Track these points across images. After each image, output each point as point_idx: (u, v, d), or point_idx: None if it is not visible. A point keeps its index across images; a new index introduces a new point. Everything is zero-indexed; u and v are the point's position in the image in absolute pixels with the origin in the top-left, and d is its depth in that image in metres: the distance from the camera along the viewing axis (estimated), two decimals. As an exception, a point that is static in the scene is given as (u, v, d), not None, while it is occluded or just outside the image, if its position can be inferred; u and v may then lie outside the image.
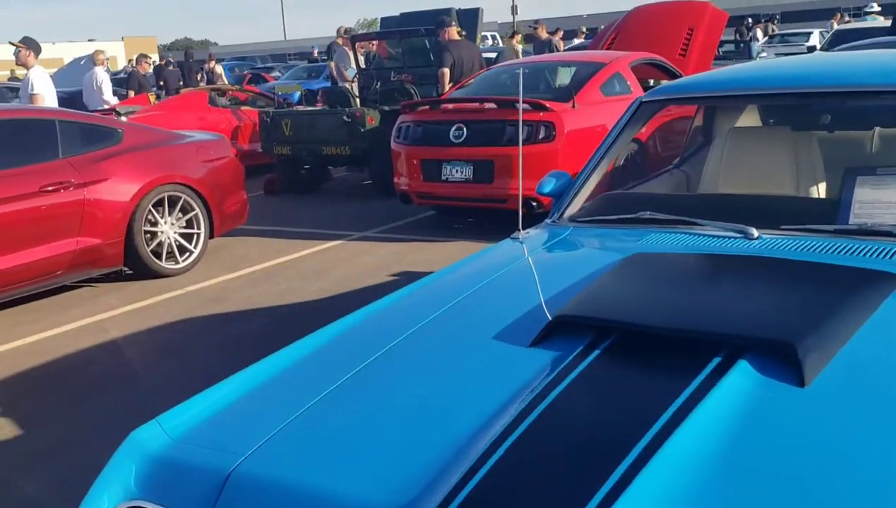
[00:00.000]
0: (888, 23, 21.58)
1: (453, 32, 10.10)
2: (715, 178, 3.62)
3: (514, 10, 49.16)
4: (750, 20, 26.31)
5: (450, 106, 7.75)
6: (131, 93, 14.73)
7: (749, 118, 4.36)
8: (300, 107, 11.27)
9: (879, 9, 23.45)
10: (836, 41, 18.38)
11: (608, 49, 10.46)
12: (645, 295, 2.05)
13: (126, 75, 18.18)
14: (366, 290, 6.13)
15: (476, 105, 7.55)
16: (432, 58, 11.13)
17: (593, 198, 3.14)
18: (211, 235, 7.13)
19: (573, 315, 1.93)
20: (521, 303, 2.21)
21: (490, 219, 8.04)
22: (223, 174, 7.30)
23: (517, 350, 1.91)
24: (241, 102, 12.93)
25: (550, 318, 1.95)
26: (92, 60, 13.69)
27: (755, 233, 2.51)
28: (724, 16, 10.67)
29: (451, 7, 11.46)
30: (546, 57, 11.22)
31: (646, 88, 8.38)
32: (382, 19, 12.46)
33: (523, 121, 7.13)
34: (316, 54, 23.20)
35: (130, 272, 6.69)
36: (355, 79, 11.82)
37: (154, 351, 5.23)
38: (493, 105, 7.40)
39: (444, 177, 7.49)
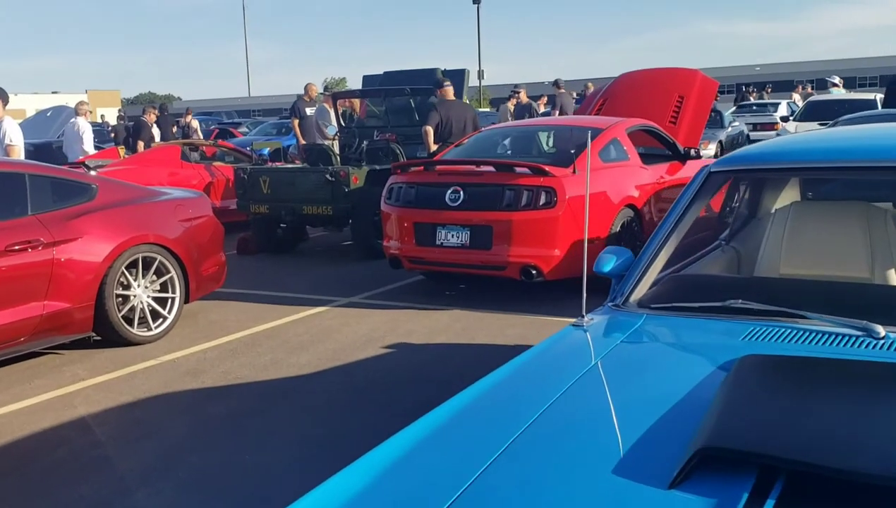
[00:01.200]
0: (853, 95, 21.96)
1: (448, 92, 9.86)
2: (775, 258, 3.26)
3: (480, 74, 49.56)
4: (744, 88, 26.61)
5: (445, 167, 7.40)
6: (140, 145, 14.45)
7: (793, 191, 4.05)
8: (278, 164, 10.86)
9: (841, 81, 23.87)
10: (809, 111, 18.58)
11: (597, 114, 10.26)
12: (797, 418, 1.64)
13: (109, 128, 17.90)
14: (360, 365, 5.67)
15: (473, 167, 7.20)
16: (417, 117, 10.86)
17: (662, 279, 2.74)
18: (186, 300, 6.63)
19: (722, 447, 1.52)
20: (627, 421, 1.79)
21: (483, 287, 7.65)
22: (201, 234, 6.83)
23: (656, 494, 1.48)
24: (211, 158, 12.48)
25: (693, 450, 1.53)
26: (75, 111, 13.47)
27: (881, 331, 2.13)
28: (714, 84, 10.54)
29: (437, 67, 11.22)
30: (542, 121, 10.98)
31: (641, 156, 8.14)
32: (364, 77, 12.18)
33: (521, 186, 6.80)
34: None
35: (98, 338, 6.16)
36: (336, 137, 11.46)
37: (127, 431, 4.69)
38: (490, 168, 7.05)
39: (438, 242, 7.09)
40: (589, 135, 3.31)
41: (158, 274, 6.40)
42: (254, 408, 4.94)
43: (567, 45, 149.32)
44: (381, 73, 11.95)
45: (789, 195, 3.95)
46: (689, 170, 8.69)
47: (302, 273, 9.02)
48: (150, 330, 6.34)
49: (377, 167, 9.59)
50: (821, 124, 17.45)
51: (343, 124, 11.68)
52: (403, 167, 7.69)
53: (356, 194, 9.26)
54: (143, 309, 6.29)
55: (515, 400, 2.04)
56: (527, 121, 12.33)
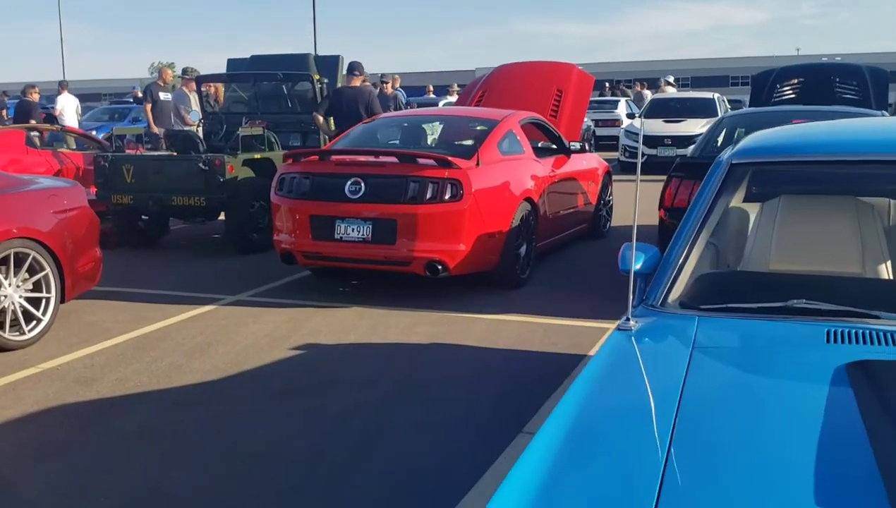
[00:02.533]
0: (694, 94, 23.09)
1: (356, 81, 9.62)
2: (765, 253, 3.19)
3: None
4: (607, 84, 27.28)
5: (342, 157, 7.04)
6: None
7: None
8: (140, 151, 10.09)
9: (672, 80, 25.13)
10: (654, 109, 19.34)
11: (477, 106, 10.15)
12: None
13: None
14: (270, 369, 5.26)
15: (372, 158, 6.90)
16: (290, 104, 10.39)
17: (701, 277, 2.59)
18: (62, 299, 5.97)
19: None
20: (779, 449, 1.60)
21: (377, 282, 7.36)
22: (77, 227, 6.18)
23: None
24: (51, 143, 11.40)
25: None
26: None
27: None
28: (590, 79, 10.68)
29: (309, 53, 10.76)
30: (434, 111, 10.71)
31: (534, 149, 8.09)
32: (229, 61, 11.52)
33: (426, 178, 6.56)
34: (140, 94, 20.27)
35: (-39, 345, 5.43)
36: (199, 123, 10.78)
37: (25, 450, 4.11)
38: (392, 158, 6.77)
39: (337, 236, 6.73)
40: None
41: (31, 271, 5.72)
42: (165, 420, 4.46)
43: (395, 39, 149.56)
44: (248, 57, 11.34)
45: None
46: (575, 163, 8.75)
47: (174, 268, 8.39)
48: (23, 333, 5.65)
49: (255, 155, 9.08)
50: (666, 121, 18.26)
51: (206, 110, 11.01)
52: (296, 156, 7.26)
53: (231, 184, 8.71)
54: (14, 311, 5.60)
55: (623, 425, 1.81)
56: (418, 111, 12.08)
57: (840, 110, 7.50)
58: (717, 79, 62.03)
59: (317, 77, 10.07)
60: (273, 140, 9.52)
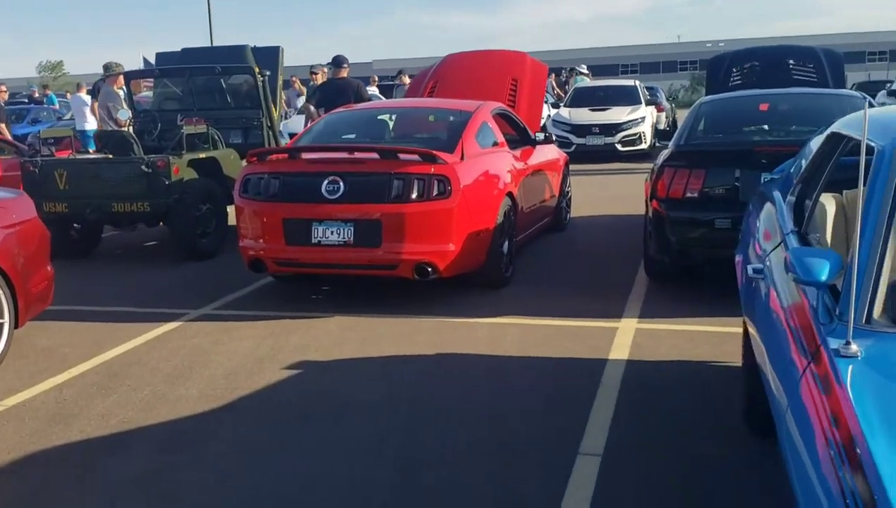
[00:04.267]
0: (615, 82, 23.17)
1: (343, 72, 9.43)
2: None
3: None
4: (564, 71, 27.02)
5: (315, 154, 6.52)
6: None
7: None
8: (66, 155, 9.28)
9: (586, 69, 25.24)
10: (577, 97, 19.29)
11: (429, 97, 9.72)
12: None
13: None
14: (269, 393, 4.74)
15: (347, 154, 6.40)
16: (230, 100, 9.74)
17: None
18: (16, 324, 5.30)
19: None
20: None
21: (352, 288, 6.87)
22: (28, 242, 5.50)
23: None
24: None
25: None
26: None
27: None
28: (543, 68, 10.37)
29: (246, 45, 10.11)
30: (400, 103, 10.16)
31: (507, 141, 7.74)
32: (158, 55, 10.72)
33: (412, 174, 6.12)
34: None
35: None
36: (129, 121, 10.00)
37: (14, 506, 3.51)
38: (374, 154, 6.29)
39: (314, 240, 6.22)
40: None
41: (-20, 295, 5.03)
42: (170, 462, 3.91)
43: (287, 30, 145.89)
44: (179, 50, 10.59)
45: None
46: (540, 154, 8.43)
47: (121, 281, 7.69)
48: (-25, 366, 4.97)
49: (200, 155, 8.44)
50: (592, 109, 18.19)
51: (137, 108, 10.24)
52: (261, 155, 6.69)
53: (177, 187, 8.06)
54: (-36, 342, 4.91)
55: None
56: (382, 102, 11.52)
57: (818, 92, 7.40)
58: (608, 68, 62.99)
59: (257, 70, 9.44)
60: (217, 138, 8.89)
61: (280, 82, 10.09)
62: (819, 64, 9.23)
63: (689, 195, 6.13)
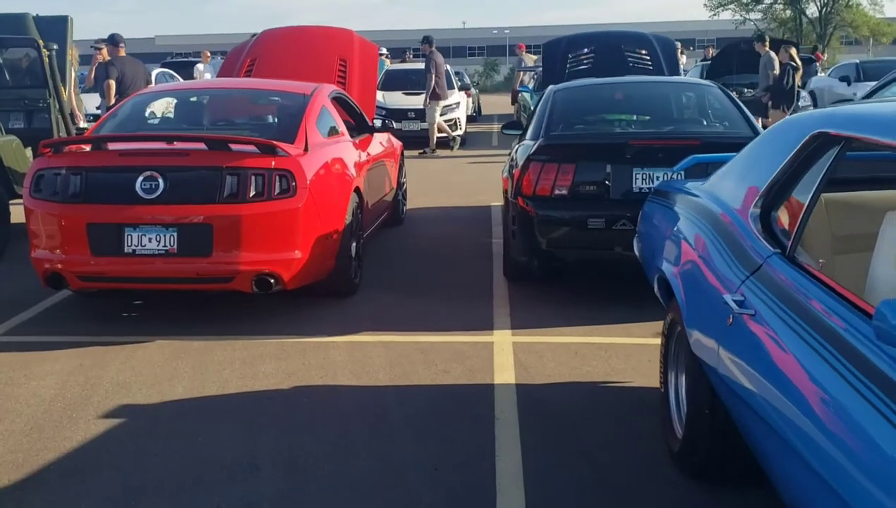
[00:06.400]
0: (408, 65, 22.65)
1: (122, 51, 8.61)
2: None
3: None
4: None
5: (128, 145, 5.42)
6: None
7: None
8: None
9: (386, 51, 24.68)
10: (389, 81, 18.61)
11: (246, 77, 8.70)
12: None
13: None
14: (84, 453, 3.72)
15: (170, 144, 5.36)
16: (6, 77, 8.28)
17: None
18: None
19: None
20: None
21: (173, 300, 5.83)
22: None
23: None
24: None
25: None
26: None
27: None
28: (373, 47, 9.56)
29: (27, 13, 8.60)
30: (215, 84, 8.83)
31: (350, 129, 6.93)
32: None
33: (248, 169, 5.19)
34: None
35: None
36: None
37: None
38: (200, 145, 5.29)
39: (128, 249, 5.14)
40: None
41: None
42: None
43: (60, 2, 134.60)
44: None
45: None
46: (378, 144, 7.68)
47: None
48: None
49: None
50: (406, 94, 17.56)
51: None
52: (57, 146, 5.49)
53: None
54: None
55: None
56: (194, 83, 10.19)
57: (675, 81, 7.12)
58: (397, 52, 62.88)
59: (41, 43, 8.03)
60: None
61: (70, 57, 8.67)
62: (652, 49, 9.07)
63: (557, 192, 5.60)
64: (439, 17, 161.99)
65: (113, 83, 9.12)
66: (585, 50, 9.42)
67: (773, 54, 12.58)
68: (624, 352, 4.84)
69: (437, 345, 5.03)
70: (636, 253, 4.37)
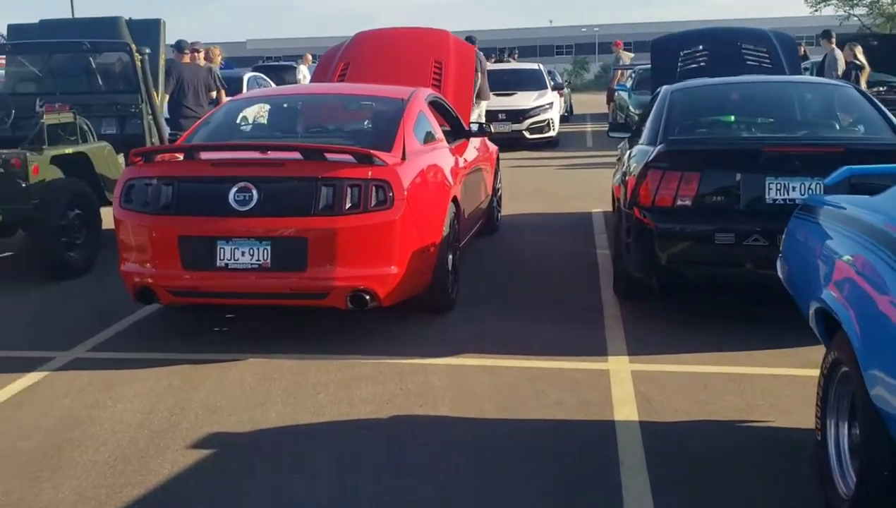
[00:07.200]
0: (502, 66, 22.21)
1: (186, 57, 8.56)
2: None
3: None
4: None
5: (221, 155, 5.17)
6: None
7: None
8: None
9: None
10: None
11: (340, 81, 8.43)
12: None
13: None
14: (175, 490, 3.43)
15: (264, 154, 5.08)
16: (101, 82, 8.18)
17: None
18: None
19: None
20: None
21: (268, 315, 5.56)
22: None
23: None
24: None
25: None
26: None
27: None
28: (469, 49, 9.21)
29: (119, 16, 8.50)
30: (310, 89, 8.64)
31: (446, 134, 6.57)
32: (11, 27, 8.96)
33: (343, 179, 4.87)
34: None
35: None
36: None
37: None
38: (295, 154, 4.99)
39: (220, 263, 4.88)
40: None
41: None
42: None
43: (160, 5, 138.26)
44: (37, 22, 8.88)
45: None
46: (475, 149, 7.30)
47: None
48: None
49: (66, 150, 6.92)
50: (497, 94, 17.11)
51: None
52: (147, 155, 5.28)
53: (37, 189, 6.53)
54: None
55: None
56: (288, 88, 10.05)
57: (806, 81, 6.54)
58: (485, 52, 62.55)
59: (134, 47, 7.91)
60: (86, 128, 7.35)
61: (162, 62, 8.55)
62: (772, 47, 8.44)
63: (680, 203, 5.11)
64: (525, 16, 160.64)
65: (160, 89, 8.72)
66: (700, 47, 8.86)
67: (838, 52, 11.76)
68: (759, 385, 4.32)
69: (547, 372, 4.60)
70: (779, 274, 3.86)
